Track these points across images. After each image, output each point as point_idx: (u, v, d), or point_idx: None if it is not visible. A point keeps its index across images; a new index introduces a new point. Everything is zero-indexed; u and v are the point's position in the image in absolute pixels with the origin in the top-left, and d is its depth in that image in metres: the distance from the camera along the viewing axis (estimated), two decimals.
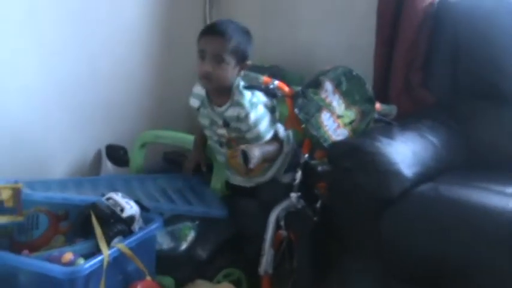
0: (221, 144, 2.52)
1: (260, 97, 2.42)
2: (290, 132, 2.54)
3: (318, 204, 2.47)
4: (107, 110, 2.99)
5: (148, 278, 2.23)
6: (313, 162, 2.46)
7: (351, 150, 2.34)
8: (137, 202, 2.30)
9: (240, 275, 2.56)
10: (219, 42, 2.29)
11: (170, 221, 2.50)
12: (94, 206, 2.20)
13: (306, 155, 2.45)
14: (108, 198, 2.24)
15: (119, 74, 3.02)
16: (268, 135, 2.42)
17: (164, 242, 2.44)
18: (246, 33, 2.37)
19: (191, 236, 2.50)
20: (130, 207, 2.23)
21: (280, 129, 2.51)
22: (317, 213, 2.46)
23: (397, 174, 2.26)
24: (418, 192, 2.27)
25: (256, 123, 2.38)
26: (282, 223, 2.44)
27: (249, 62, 2.38)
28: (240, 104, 2.37)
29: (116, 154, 2.92)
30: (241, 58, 2.34)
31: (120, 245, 2.15)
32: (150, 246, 2.33)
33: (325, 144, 2.41)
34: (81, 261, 2.06)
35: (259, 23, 3.31)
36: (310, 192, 2.49)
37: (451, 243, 2.12)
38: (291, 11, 3.28)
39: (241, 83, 2.40)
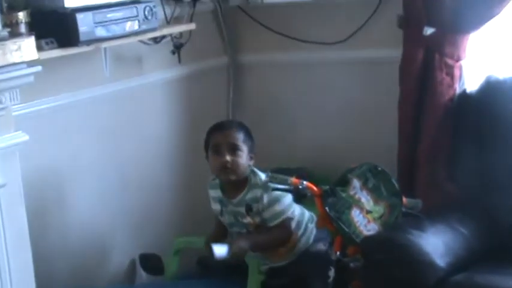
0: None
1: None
2: (308, 213, 2.78)
3: None
4: (137, 218, 3.22)
5: None
6: (345, 259, 2.63)
7: (383, 243, 2.52)
8: None
9: None
10: (233, 134, 2.66)
11: None
12: None
13: (338, 253, 2.61)
14: None
15: (147, 183, 3.27)
16: (285, 216, 2.64)
17: None
18: (247, 129, 2.74)
19: None
20: None
21: (297, 209, 2.73)
22: None
23: (430, 264, 2.43)
24: (453, 282, 2.43)
25: (270, 203, 2.63)
26: None
27: (254, 155, 2.71)
28: (256, 186, 2.67)
29: (150, 263, 3.09)
30: (250, 148, 2.67)
31: None
32: None
33: (357, 240, 2.57)
34: None
35: (283, 128, 3.60)
36: None
37: None
38: (313, 114, 3.54)
39: (259, 174, 2.69)
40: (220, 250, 2.58)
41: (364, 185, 2.66)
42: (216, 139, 2.69)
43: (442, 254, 2.49)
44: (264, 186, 2.64)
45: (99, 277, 3.05)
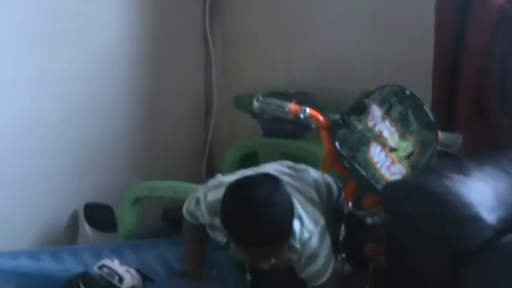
0: None
1: (309, 223, 2.51)
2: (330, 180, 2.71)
3: (370, 268, 2.60)
4: (83, 158, 3.17)
5: None
6: (360, 213, 2.60)
7: (413, 191, 2.47)
8: (138, 271, 2.43)
9: None
10: (269, 251, 2.45)
11: None
12: (83, 277, 2.34)
13: (351, 204, 2.59)
14: (101, 267, 2.38)
15: (96, 109, 3.21)
16: (328, 273, 2.53)
17: None
18: (282, 220, 2.45)
19: None
20: (132, 277, 2.37)
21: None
22: (369, 280, 2.59)
23: (475, 219, 2.38)
24: (505, 243, 2.39)
25: (307, 263, 2.52)
26: None
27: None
28: (293, 249, 2.51)
29: (99, 215, 3.08)
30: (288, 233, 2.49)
31: None
32: None
33: (378, 187, 2.55)
34: None
35: (277, 40, 3.53)
36: (358, 252, 2.62)
37: None
38: (321, 18, 3.46)
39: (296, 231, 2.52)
40: None
41: (387, 113, 2.63)
42: (248, 255, 2.51)
43: (492, 206, 2.44)
44: (302, 245, 2.51)
45: (29, 234, 3.02)
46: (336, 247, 2.57)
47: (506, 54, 2.95)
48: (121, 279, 2.35)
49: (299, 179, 2.63)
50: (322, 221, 2.53)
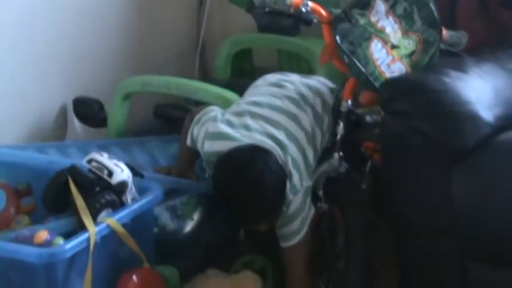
0: None
1: (297, 182, 2.59)
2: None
3: (367, 167, 2.67)
4: (73, 52, 3.19)
5: (146, 265, 2.41)
6: (359, 110, 2.66)
7: (411, 88, 2.52)
8: (128, 165, 2.46)
9: (264, 263, 2.78)
10: (266, 222, 2.59)
11: (166, 194, 2.63)
12: (72, 170, 2.38)
13: (349, 101, 2.64)
14: (90, 160, 2.41)
15: (89, 4, 3.22)
16: (297, 238, 2.63)
17: (163, 221, 2.65)
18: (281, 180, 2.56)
19: (198, 213, 2.70)
20: (121, 171, 2.40)
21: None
22: (366, 178, 2.66)
23: (472, 117, 2.44)
24: (501, 141, 2.47)
25: (287, 223, 2.62)
26: (321, 193, 2.65)
27: None
28: None
29: (88, 110, 3.11)
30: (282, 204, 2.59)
31: (110, 220, 2.32)
32: (147, 224, 2.52)
33: (376, 84, 2.59)
34: (60, 241, 2.22)
35: None
36: (356, 150, 2.70)
37: None
38: None
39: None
40: None
41: (392, 9, 2.66)
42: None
43: (490, 104, 2.51)
44: (286, 203, 2.60)
45: (16, 129, 3.05)
46: (334, 146, 2.65)
47: None
48: (110, 173, 2.39)
49: (296, 119, 2.68)
50: (307, 183, 2.62)
